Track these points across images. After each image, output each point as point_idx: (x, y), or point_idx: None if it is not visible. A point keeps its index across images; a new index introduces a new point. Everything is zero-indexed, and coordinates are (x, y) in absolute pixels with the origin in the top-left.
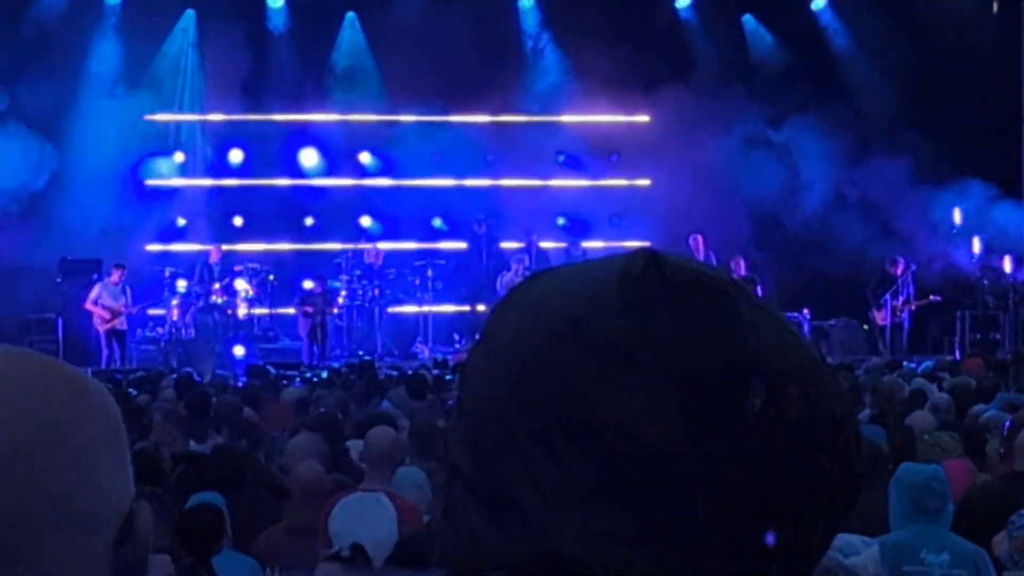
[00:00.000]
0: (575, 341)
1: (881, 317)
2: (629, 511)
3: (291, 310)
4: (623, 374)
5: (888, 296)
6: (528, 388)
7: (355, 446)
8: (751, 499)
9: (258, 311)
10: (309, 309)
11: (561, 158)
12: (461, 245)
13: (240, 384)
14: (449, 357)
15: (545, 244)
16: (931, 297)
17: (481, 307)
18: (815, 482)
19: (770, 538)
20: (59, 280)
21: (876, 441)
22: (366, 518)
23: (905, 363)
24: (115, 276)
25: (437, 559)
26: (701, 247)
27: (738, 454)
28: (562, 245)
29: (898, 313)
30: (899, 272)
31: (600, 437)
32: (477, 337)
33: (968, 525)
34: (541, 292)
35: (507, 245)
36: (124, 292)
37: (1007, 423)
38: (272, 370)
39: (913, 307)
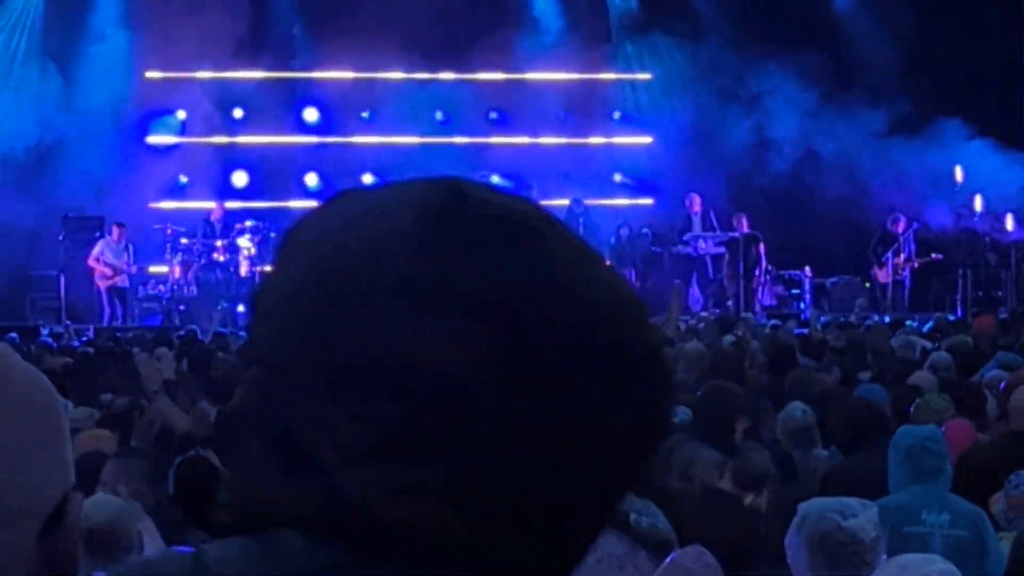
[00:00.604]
0: (371, 280)
1: (883, 275)
2: (429, 463)
3: None
4: (423, 314)
5: (890, 254)
6: (322, 331)
7: None
8: (562, 439)
9: (260, 269)
10: None
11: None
12: None
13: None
14: None
15: (547, 202)
16: (932, 255)
17: None
18: (630, 415)
19: (581, 476)
20: (61, 237)
21: (878, 402)
22: None
23: (907, 322)
24: (116, 234)
25: (223, 508)
26: (698, 205)
27: (547, 389)
28: (564, 202)
29: (900, 271)
30: (900, 230)
31: (401, 381)
32: (268, 267)
33: (966, 485)
34: (336, 222)
35: None
36: (126, 250)
37: (1003, 384)
38: None
39: (915, 265)
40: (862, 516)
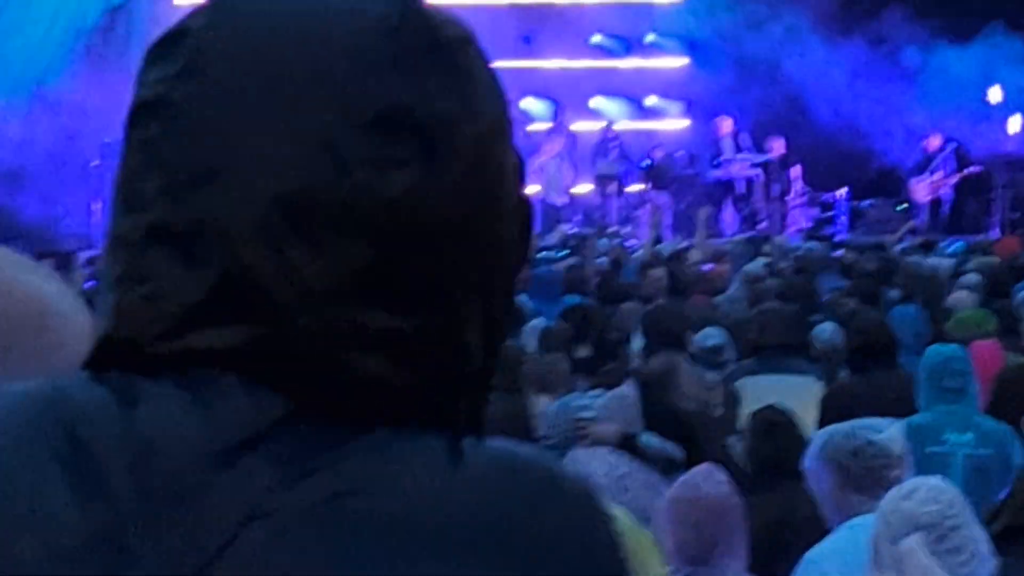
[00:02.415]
0: (334, 108)
1: (921, 194)
2: (397, 311)
3: None
4: (395, 145)
5: (928, 173)
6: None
7: None
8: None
9: None
10: None
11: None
12: None
13: None
14: None
15: (577, 126)
16: (970, 168)
17: None
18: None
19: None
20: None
21: (911, 320)
22: None
23: (941, 244)
24: None
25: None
26: (728, 128)
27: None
28: (597, 126)
29: (938, 189)
30: (937, 146)
31: (375, 221)
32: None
33: (1001, 406)
34: (268, 24)
35: (533, 127)
36: None
37: None
38: None
39: (954, 181)
40: (889, 432)
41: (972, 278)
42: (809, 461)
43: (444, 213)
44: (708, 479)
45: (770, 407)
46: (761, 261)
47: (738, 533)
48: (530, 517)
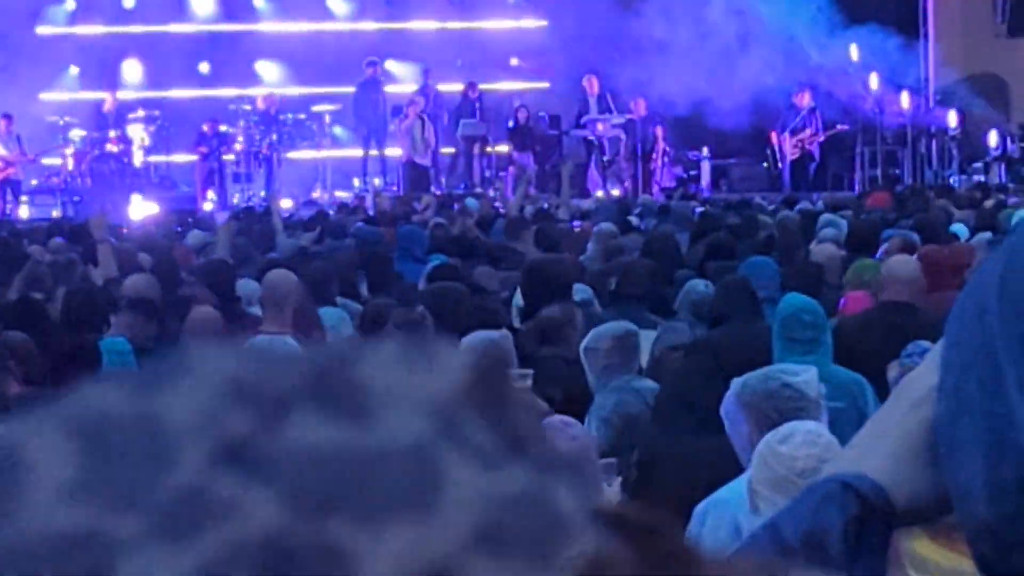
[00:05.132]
0: None
1: (788, 149)
2: None
3: (189, 157)
4: None
5: (793, 128)
6: None
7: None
8: None
9: (154, 159)
10: (204, 149)
11: None
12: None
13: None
14: (348, 201)
15: (443, 86)
16: (838, 126)
17: (374, 152)
18: None
19: None
20: None
21: (769, 273)
22: None
23: (804, 201)
24: (3, 126)
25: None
26: (596, 88)
27: None
28: (460, 87)
29: (806, 145)
30: (803, 103)
31: None
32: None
33: (848, 355)
34: None
35: (398, 89)
36: (19, 141)
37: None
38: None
39: (821, 139)
40: (804, 375)
41: (833, 232)
42: (726, 406)
43: None
44: (562, 432)
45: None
46: (611, 221)
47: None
48: None
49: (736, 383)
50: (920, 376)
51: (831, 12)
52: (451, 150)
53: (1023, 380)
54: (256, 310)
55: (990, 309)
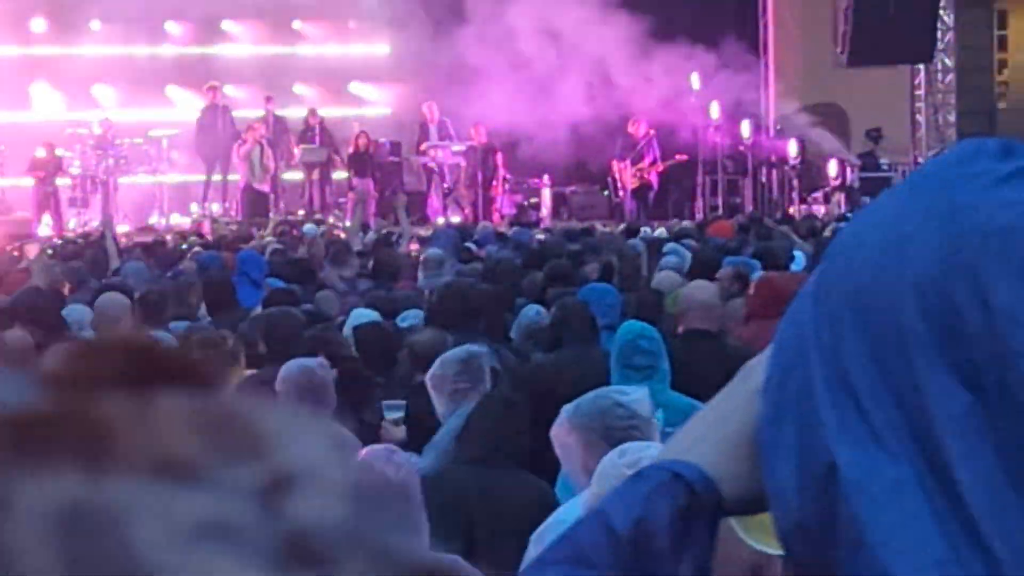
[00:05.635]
0: None
1: (627, 179)
2: None
3: (21, 181)
4: None
5: (632, 159)
6: None
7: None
8: None
9: None
10: (40, 174)
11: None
12: (195, 114)
13: None
14: (187, 226)
15: (283, 112)
16: (677, 156)
17: (217, 176)
18: None
19: None
20: None
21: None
22: None
23: (644, 229)
24: None
25: None
26: (435, 115)
27: None
28: (301, 112)
29: (645, 175)
30: (641, 134)
31: None
32: None
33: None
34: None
35: (242, 113)
36: None
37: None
38: None
39: (661, 168)
40: (636, 395)
41: (675, 260)
42: (555, 431)
43: None
44: (388, 461)
45: None
46: (450, 247)
47: (417, 513)
48: None
49: (567, 408)
50: (763, 364)
51: (671, 35)
52: (293, 174)
53: (830, 380)
54: (90, 334)
55: (806, 313)
